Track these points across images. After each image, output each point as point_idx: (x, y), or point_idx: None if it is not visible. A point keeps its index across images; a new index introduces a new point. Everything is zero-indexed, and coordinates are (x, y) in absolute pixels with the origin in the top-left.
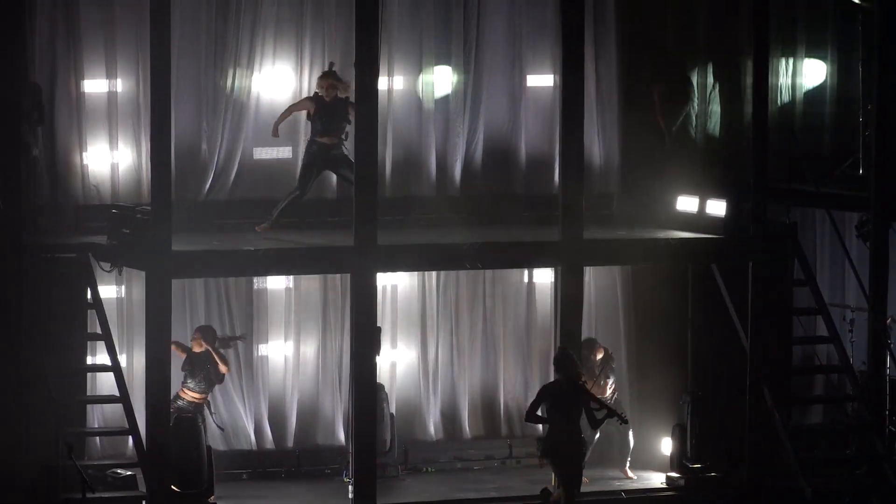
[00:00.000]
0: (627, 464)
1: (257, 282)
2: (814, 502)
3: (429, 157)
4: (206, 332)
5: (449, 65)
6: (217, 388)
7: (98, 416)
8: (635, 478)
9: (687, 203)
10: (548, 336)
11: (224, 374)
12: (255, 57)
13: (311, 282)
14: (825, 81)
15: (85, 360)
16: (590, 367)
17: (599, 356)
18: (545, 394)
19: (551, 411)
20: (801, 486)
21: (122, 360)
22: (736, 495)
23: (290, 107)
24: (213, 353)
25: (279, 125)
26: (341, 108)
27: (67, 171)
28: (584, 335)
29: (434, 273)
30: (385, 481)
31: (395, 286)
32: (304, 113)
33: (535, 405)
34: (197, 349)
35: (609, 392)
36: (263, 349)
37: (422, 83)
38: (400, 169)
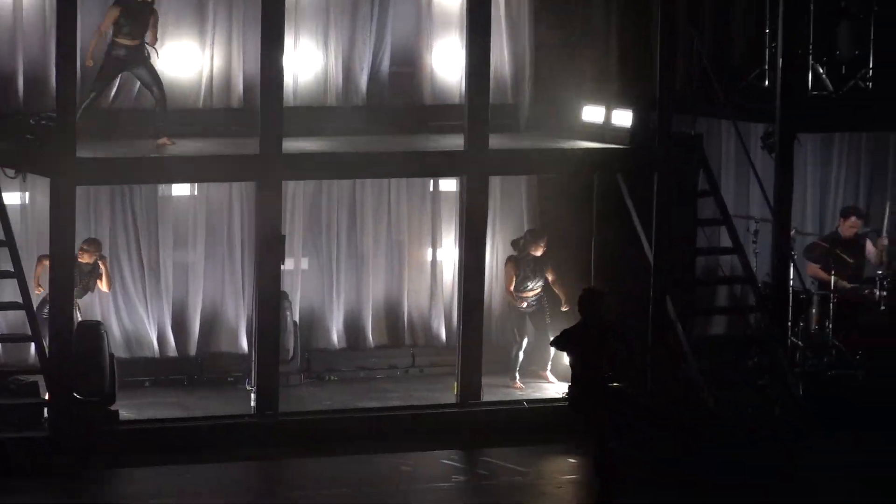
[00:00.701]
0: (517, 376)
1: (162, 189)
2: (716, 412)
3: (335, 66)
4: (97, 246)
5: None
6: (120, 294)
7: (0, 322)
8: (523, 388)
9: (593, 113)
10: (453, 246)
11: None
12: None
13: (217, 189)
14: None
15: None
16: (524, 258)
17: (539, 253)
18: (565, 336)
19: (576, 357)
20: (704, 396)
21: (26, 267)
22: (638, 405)
23: (100, 27)
24: (104, 268)
25: (92, 53)
26: (146, 9)
27: None
28: (489, 246)
29: (339, 182)
30: (287, 390)
31: (300, 195)
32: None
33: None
34: (83, 259)
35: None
36: (167, 256)
37: None
38: (306, 78)
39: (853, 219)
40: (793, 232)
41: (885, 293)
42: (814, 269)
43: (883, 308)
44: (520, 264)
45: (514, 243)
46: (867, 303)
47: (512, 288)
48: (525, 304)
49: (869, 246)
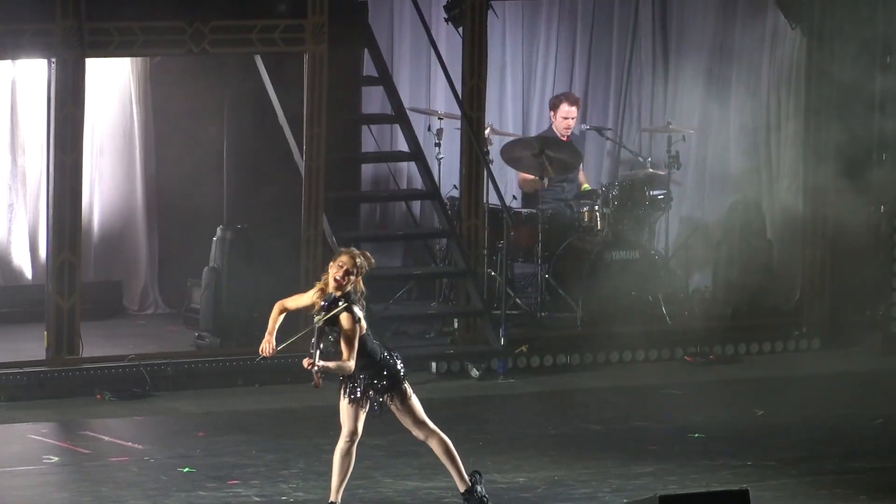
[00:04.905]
0: None
1: None
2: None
3: None
4: None
5: None
6: None
7: None
8: None
9: None
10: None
11: None
12: None
13: None
14: None
15: None
16: None
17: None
18: None
19: None
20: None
21: None
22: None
23: None
24: None
25: None
26: None
27: None
28: (87, 138)
29: None
30: None
31: None
32: None
33: None
34: None
35: None
36: None
37: None
38: None
39: (565, 107)
40: (487, 131)
41: (608, 210)
42: (524, 178)
43: (603, 230)
44: None
45: None
46: (584, 222)
47: None
48: None
49: (581, 176)
